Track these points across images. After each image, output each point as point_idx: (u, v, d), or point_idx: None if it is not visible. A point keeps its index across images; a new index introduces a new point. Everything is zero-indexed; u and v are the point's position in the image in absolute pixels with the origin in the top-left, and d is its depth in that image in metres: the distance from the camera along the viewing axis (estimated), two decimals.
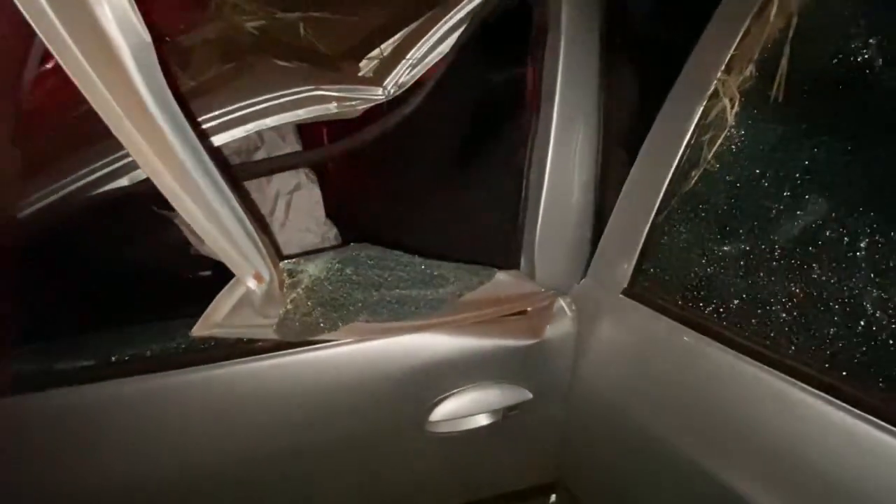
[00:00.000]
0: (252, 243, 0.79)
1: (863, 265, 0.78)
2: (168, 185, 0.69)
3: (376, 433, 1.11)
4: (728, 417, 0.92)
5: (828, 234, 0.82)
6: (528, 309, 1.14)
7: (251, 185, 1.51)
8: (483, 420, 1.14)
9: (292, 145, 1.45)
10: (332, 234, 1.56)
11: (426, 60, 1.14)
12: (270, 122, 1.10)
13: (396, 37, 1.17)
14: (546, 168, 1.12)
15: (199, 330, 0.85)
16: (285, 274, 0.90)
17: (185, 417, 1.01)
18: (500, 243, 1.20)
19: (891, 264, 0.76)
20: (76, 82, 0.62)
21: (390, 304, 0.95)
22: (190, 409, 1.00)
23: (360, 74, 1.19)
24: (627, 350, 1.09)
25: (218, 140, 1.07)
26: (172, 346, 0.96)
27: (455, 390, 1.11)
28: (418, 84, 1.16)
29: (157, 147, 0.68)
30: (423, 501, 1.26)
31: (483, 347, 1.10)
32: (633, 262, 1.06)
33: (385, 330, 0.96)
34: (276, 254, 0.91)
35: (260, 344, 0.98)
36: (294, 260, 0.94)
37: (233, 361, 0.97)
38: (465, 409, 1.12)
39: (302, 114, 1.12)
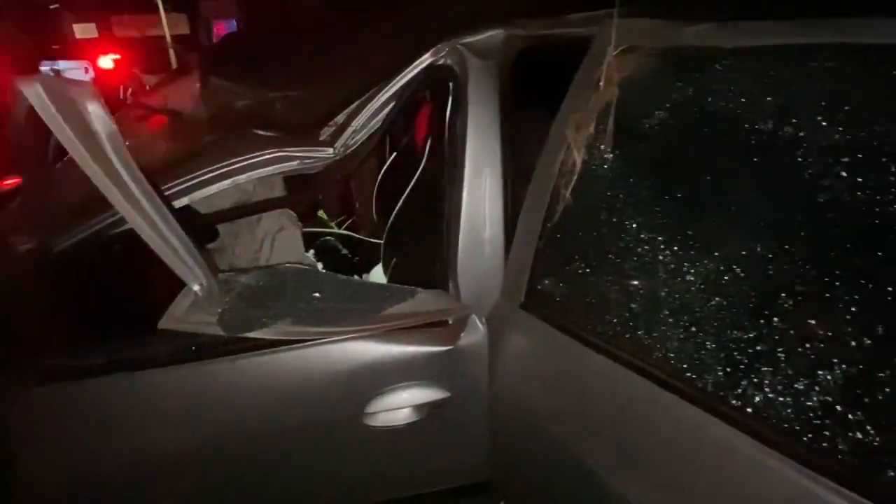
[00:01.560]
0: (195, 261, 1.09)
1: (672, 272, 1.02)
2: (137, 223, 1.01)
3: (319, 426, 1.36)
4: (602, 417, 1.12)
5: (643, 248, 1.06)
6: (449, 321, 1.40)
7: (244, 228, 1.84)
8: (410, 416, 1.37)
9: (280, 193, 1.79)
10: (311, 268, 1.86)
11: (367, 128, 1.46)
12: (243, 178, 1.43)
13: (348, 109, 1.50)
14: (462, 209, 1.40)
15: (164, 324, 1.15)
16: (222, 283, 1.21)
17: (155, 410, 1.29)
18: (436, 270, 1.47)
19: (690, 272, 0.99)
20: (76, 160, 0.96)
21: (314, 313, 1.24)
22: (159, 403, 1.29)
23: (320, 139, 1.52)
24: (526, 357, 1.32)
25: (204, 192, 1.40)
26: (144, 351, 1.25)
27: (385, 388, 1.36)
28: (364, 144, 1.48)
29: (126, 198, 1.00)
30: (366, 491, 1.48)
31: (409, 351, 1.35)
32: (526, 280, 1.31)
33: (312, 333, 1.24)
34: (214, 268, 1.22)
35: (220, 347, 1.26)
36: (229, 272, 1.25)
37: (194, 363, 1.25)
38: (394, 404, 1.36)
39: (270, 170, 1.44)
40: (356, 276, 2.24)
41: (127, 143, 1.08)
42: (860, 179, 0.78)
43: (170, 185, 1.38)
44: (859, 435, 0.75)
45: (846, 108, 0.79)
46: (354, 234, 2.43)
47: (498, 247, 1.41)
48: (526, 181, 1.37)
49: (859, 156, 0.79)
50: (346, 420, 1.36)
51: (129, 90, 8.64)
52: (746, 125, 0.91)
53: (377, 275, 2.06)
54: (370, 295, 1.35)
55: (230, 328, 1.18)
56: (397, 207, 1.77)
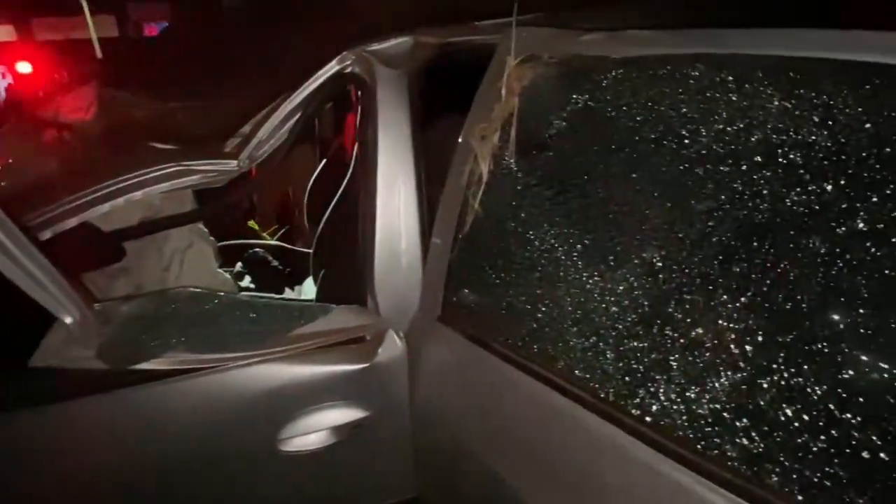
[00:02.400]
0: (63, 291, 1.00)
1: (573, 282, 1.01)
2: None
3: (231, 456, 1.29)
4: (515, 430, 1.10)
5: (546, 258, 1.05)
6: (366, 337, 1.36)
7: (150, 246, 1.74)
8: (328, 438, 1.32)
9: (186, 206, 1.69)
10: (227, 285, 1.77)
11: (273, 139, 1.40)
12: (139, 194, 1.34)
13: (253, 119, 1.43)
14: (376, 221, 1.36)
15: (36, 360, 1.05)
16: (99, 313, 1.12)
17: (62, 445, 1.19)
18: (353, 285, 1.43)
19: (590, 282, 0.99)
20: None
21: (214, 338, 1.16)
22: (66, 438, 1.18)
23: (226, 150, 1.44)
24: (445, 371, 1.30)
25: (96, 211, 1.30)
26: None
27: (299, 412, 1.30)
28: (271, 156, 1.42)
29: None
30: None
31: (324, 371, 1.30)
32: (442, 293, 1.29)
33: (211, 360, 1.17)
34: (88, 297, 1.13)
35: (124, 377, 1.17)
36: (108, 302, 1.16)
37: (99, 395, 1.16)
38: (310, 428, 1.30)
39: (168, 186, 1.36)
40: (288, 289, 2.16)
41: (10, 161, 0.98)
42: (741, 186, 0.80)
43: (58, 204, 1.27)
44: (745, 441, 0.76)
45: (725, 116, 0.80)
46: (285, 245, 2.35)
47: (415, 258, 1.38)
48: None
49: (742, 164, 0.81)
50: (259, 448, 1.29)
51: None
52: (635, 134, 0.92)
53: (308, 287, 1.99)
54: (278, 315, 1.28)
55: (112, 361, 1.09)
56: (325, 217, 1.71)
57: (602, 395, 0.94)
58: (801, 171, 0.71)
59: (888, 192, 0.68)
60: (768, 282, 0.76)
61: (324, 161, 2.01)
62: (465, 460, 1.25)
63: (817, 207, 0.72)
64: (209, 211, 1.56)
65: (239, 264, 2.13)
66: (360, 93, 1.37)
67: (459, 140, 1.24)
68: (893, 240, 0.68)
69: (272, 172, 1.32)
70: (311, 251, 1.85)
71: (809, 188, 0.73)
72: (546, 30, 1.11)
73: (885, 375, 0.68)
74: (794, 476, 0.72)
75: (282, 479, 1.35)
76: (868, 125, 0.70)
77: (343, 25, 1.48)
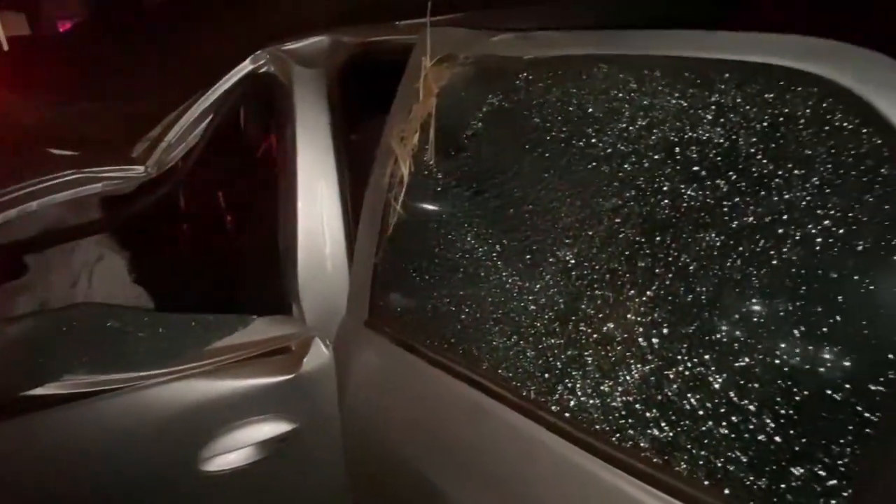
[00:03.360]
0: None
1: (493, 282, 1.02)
2: None
3: (148, 480, 1.21)
4: (444, 434, 1.09)
5: (467, 259, 1.05)
6: (291, 347, 1.31)
7: (56, 260, 1.61)
8: (253, 455, 1.26)
9: (92, 215, 1.57)
10: (141, 300, 1.67)
11: (183, 144, 1.33)
12: (34, 205, 1.24)
13: (163, 122, 1.36)
14: (297, 224, 1.31)
15: None
16: None
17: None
18: (276, 293, 1.37)
19: (508, 282, 0.99)
20: None
21: (115, 357, 1.09)
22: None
23: (133, 155, 1.35)
24: (373, 377, 1.27)
25: None
26: None
27: (221, 429, 1.24)
28: (182, 160, 1.35)
29: None
30: None
31: (245, 386, 1.24)
32: (368, 297, 1.26)
33: (118, 380, 1.09)
34: None
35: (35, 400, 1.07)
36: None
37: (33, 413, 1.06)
38: (234, 445, 1.24)
39: (68, 195, 1.26)
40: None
41: None
42: (643, 184, 0.82)
43: None
44: (655, 431, 0.79)
45: (626, 115, 0.83)
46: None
47: (341, 263, 1.34)
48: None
49: (643, 162, 0.84)
50: (178, 470, 1.22)
51: None
52: (545, 135, 0.93)
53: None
54: (194, 329, 1.22)
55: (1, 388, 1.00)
56: (247, 224, 1.64)
57: (524, 394, 0.94)
58: (697, 168, 0.74)
59: (776, 187, 0.71)
60: (670, 276, 0.78)
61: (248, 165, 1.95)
62: (398, 468, 1.22)
63: (713, 203, 0.75)
64: (118, 219, 1.46)
65: None
66: (275, 93, 1.33)
67: (381, 142, 1.22)
68: (781, 231, 0.71)
69: (196, 177, 1.25)
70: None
71: (705, 184, 0.76)
72: (461, 30, 1.11)
73: (778, 362, 0.71)
74: (701, 462, 0.75)
75: (206, 501, 1.28)
76: (758, 124, 0.73)
77: (259, 25, 1.43)
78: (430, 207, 1.12)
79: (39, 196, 1.23)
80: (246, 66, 1.30)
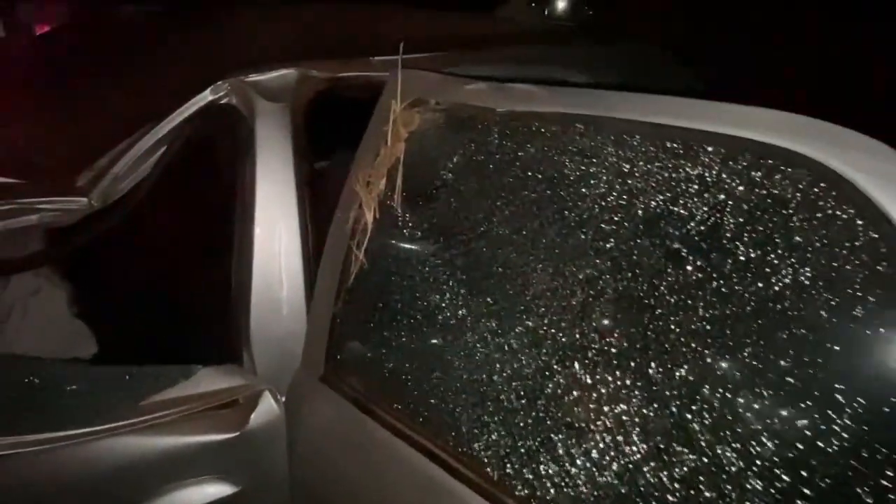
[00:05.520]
0: None
1: (457, 344, 0.94)
2: None
3: None
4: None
5: (430, 315, 0.97)
6: (239, 400, 1.20)
7: None
8: None
9: (32, 246, 1.45)
10: (81, 335, 1.54)
11: (132, 176, 1.23)
12: None
13: (111, 152, 1.26)
14: (252, 264, 1.22)
15: None
16: None
17: None
18: (226, 337, 1.27)
19: (473, 344, 0.91)
20: None
21: (41, 415, 0.97)
22: None
23: (77, 185, 1.25)
24: (326, 438, 1.17)
25: None
26: None
27: (157, 492, 1.12)
28: (130, 193, 1.25)
29: None
30: None
31: (186, 443, 1.13)
32: (324, 349, 1.17)
33: (34, 442, 0.97)
34: None
35: None
36: None
37: None
38: None
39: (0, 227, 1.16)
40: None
41: None
42: (620, 258, 0.76)
43: None
44: None
45: (604, 180, 0.77)
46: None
47: (298, 308, 1.25)
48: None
49: (622, 233, 0.77)
50: None
51: None
52: (518, 191, 0.87)
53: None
54: (128, 381, 1.10)
55: None
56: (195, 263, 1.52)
57: (487, 473, 0.86)
58: (677, 245, 0.68)
59: (761, 273, 0.66)
60: (646, 357, 0.72)
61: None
62: None
63: (692, 283, 0.69)
64: (57, 253, 1.34)
65: None
66: (235, 126, 1.24)
67: (345, 186, 1.15)
68: (761, 321, 0.65)
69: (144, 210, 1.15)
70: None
71: (685, 263, 0.70)
72: (433, 74, 1.05)
73: (754, 448, 0.65)
74: None
75: None
76: (743, 203, 0.68)
77: (222, 54, 1.35)
78: (394, 259, 1.04)
79: None
80: (206, 97, 1.22)
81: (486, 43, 1.60)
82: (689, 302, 0.68)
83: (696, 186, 0.68)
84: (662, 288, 0.70)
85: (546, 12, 2.32)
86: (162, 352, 1.29)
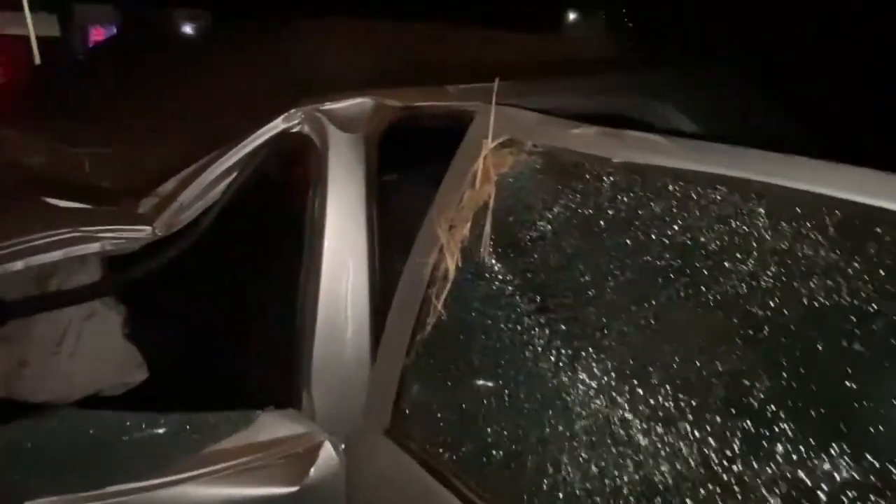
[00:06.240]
0: None
1: (557, 412, 0.84)
2: None
3: None
4: None
5: (520, 380, 0.88)
6: (299, 451, 1.13)
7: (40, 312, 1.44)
8: None
9: (91, 273, 1.41)
10: (132, 362, 1.49)
11: (197, 204, 1.18)
12: (20, 265, 1.08)
13: (176, 177, 1.21)
14: (318, 306, 1.15)
15: None
16: None
17: None
18: (286, 378, 1.20)
19: (576, 413, 0.81)
20: None
21: (100, 470, 0.91)
22: None
23: (140, 211, 1.20)
24: (387, 496, 1.08)
25: None
26: None
27: None
28: (195, 223, 1.19)
29: None
30: None
31: (245, 496, 1.06)
32: (392, 401, 1.08)
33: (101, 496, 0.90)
34: None
35: None
36: None
37: None
38: None
39: (58, 255, 1.10)
40: None
41: None
42: (772, 349, 0.65)
43: None
44: None
45: (751, 256, 0.66)
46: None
47: (363, 352, 1.17)
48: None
49: (771, 317, 0.66)
50: None
51: None
52: (636, 256, 0.77)
53: None
54: (193, 430, 1.03)
55: None
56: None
57: None
58: (858, 347, 0.57)
59: None
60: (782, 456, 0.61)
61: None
62: None
63: (825, 374, 0.58)
64: (119, 281, 1.28)
65: None
66: (307, 158, 1.18)
67: (422, 227, 1.07)
68: None
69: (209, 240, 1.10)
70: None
71: (822, 353, 0.59)
72: (529, 113, 0.96)
73: None
74: None
75: None
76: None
77: (292, 80, 1.28)
78: (478, 313, 0.95)
79: (26, 255, 1.07)
80: (278, 125, 1.16)
81: (565, 68, 1.50)
82: (819, 391, 0.56)
83: (879, 275, 0.57)
84: (796, 377, 0.58)
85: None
86: (218, 388, 1.23)
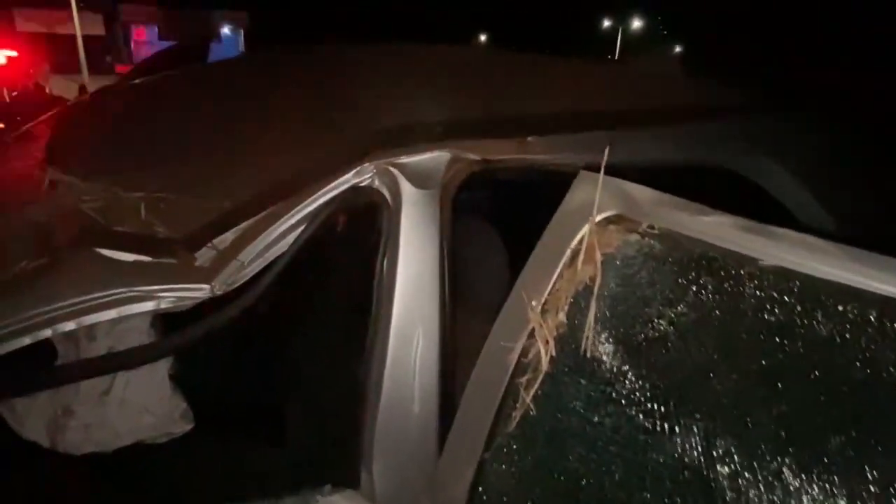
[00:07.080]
0: None
1: None
2: None
3: None
4: None
5: (638, 488, 0.75)
6: None
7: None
8: None
9: (142, 333, 1.34)
10: (178, 412, 1.42)
11: (258, 261, 1.09)
12: (71, 325, 1.01)
13: (235, 229, 1.12)
14: (383, 375, 1.05)
15: None
16: None
17: None
18: (344, 452, 1.10)
19: None
20: None
21: None
22: None
23: (196, 264, 1.12)
24: None
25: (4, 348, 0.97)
26: None
27: None
28: (255, 280, 1.10)
29: None
30: None
31: None
32: (465, 497, 0.97)
33: None
34: None
35: None
36: None
37: None
38: None
39: (112, 314, 1.03)
40: None
41: None
42: None
43: None
44: None
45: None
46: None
47: (430, 431, 1.06)
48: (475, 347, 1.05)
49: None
50: None
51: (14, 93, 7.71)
52: (791, 375, 0.64)
53: None
54: None
55: None
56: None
57: None
58: None
59: None
60: None
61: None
62: None
63: None
64: (173, 343, 1.21)
65: None
66: (378, 214, 1.08)
67: (506, 303, 0.95)
68: None
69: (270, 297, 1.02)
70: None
71: None
72: (644, 189, 0.83)
73: None
74: None
75: None
76: None
77: (368, 129, 1.18)
78: (579, 417, 0.83)
79: (77, 316, 1.00)
80: (348, 179, 1.06)
81: (660, 112, 1.36)
82: None
83: None
84: None
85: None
86: (272, 458, 1.14)
